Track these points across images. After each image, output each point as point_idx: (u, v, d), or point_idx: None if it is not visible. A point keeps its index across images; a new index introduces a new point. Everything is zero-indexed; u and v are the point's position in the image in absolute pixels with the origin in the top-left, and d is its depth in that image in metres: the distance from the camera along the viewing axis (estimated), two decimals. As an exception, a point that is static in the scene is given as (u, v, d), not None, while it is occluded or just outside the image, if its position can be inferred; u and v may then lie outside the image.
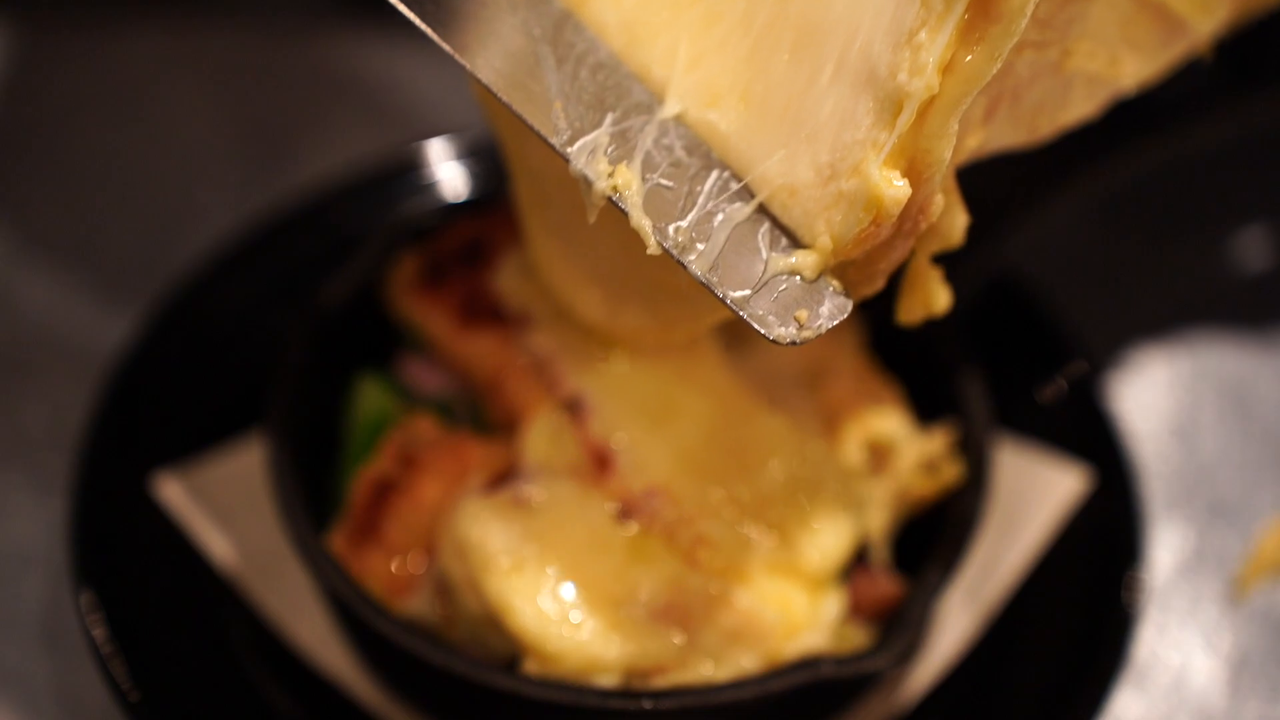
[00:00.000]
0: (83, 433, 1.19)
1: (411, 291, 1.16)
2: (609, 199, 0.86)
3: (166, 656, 1.09)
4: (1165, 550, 1.27)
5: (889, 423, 1.10)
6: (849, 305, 0.87)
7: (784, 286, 0.86)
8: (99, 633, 1.08)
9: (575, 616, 0.99)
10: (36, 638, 1.18)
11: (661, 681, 0.99)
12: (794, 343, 0.85)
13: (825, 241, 0.85)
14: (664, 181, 0.87)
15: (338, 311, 1.17)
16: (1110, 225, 1.49)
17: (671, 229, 0.86)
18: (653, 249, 0.85)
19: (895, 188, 0.82)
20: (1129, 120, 1.28)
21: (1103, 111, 1.02)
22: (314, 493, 1.11)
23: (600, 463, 1.03)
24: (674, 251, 0.85)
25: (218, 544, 1.15)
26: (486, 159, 1.35)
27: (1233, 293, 1.46)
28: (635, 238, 0.87)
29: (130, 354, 1.23)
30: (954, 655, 1.13)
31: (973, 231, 1.24)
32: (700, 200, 0.86)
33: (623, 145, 0.87)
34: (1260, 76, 1.31)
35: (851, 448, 1.09)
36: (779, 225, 0.87)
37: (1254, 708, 1.18)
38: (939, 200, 0.86)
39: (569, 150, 0.86)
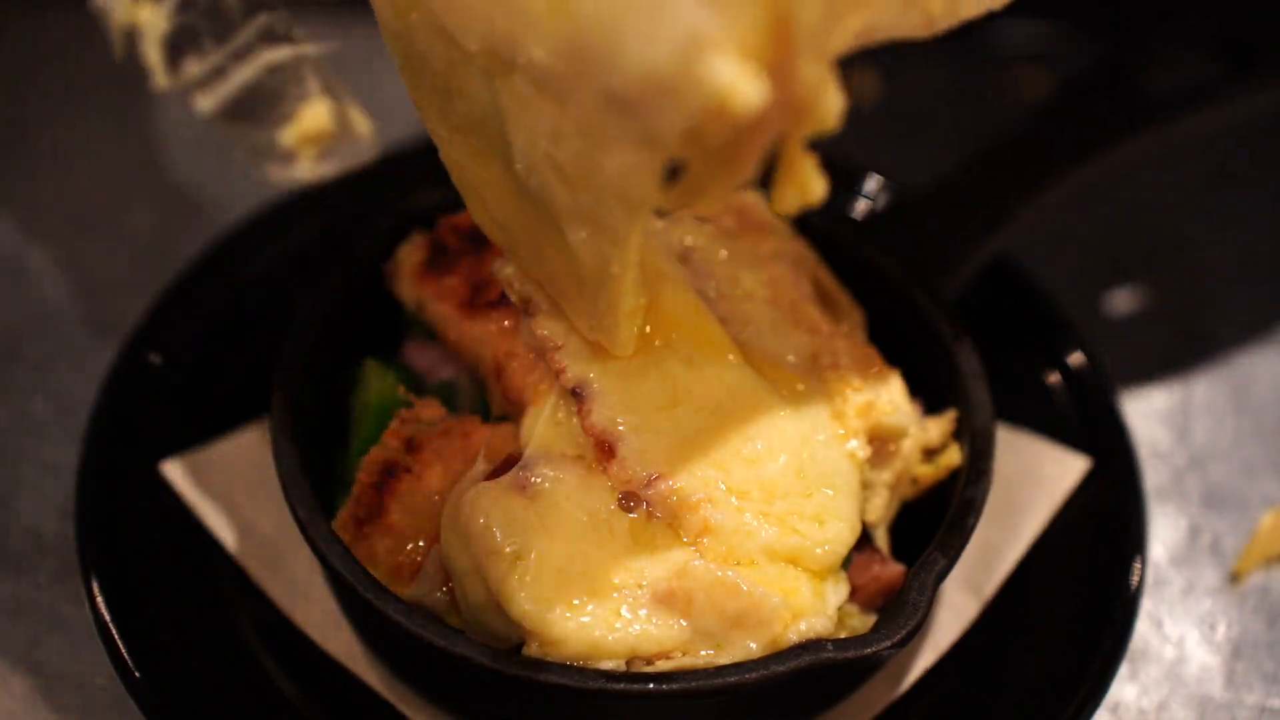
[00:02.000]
0: (91, 417, 1.19)
1: (417, 277, 1.16)
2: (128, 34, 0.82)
3: (173, 638, 1.10)
4: (1161, 538, 1.27)
5: (892, 410, 1.11)
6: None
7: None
8: (106, 615, 1.08)
9: (578, 602, 0.99)
10: (44, 619, 1.18)
11: (665, 666, 0.99)
12: None
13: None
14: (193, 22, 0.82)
15: (344, 297, 1.18)
16: (1108, 212, 1.49)
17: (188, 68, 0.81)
18: (161, 83, 0.80)
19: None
20: (1131, 109, 1.29)
21: (1007, 4, 0.96)
22: (321, 478, 1.12)
23: (604, 449, 1.03)
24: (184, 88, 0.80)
25: (224, 527, 1.16)
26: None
27: (1230, 281, 1.47)
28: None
29: (138, 339, 1.24)
30: (954, 640, 1.13)
31: (974, 219, 1.25)
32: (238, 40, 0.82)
33: None
34: (1259, 65, 1.32)
35: (855, 435, 1.09)
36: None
37: (1249, 694, 1.19)
38: (809, 73, 0.81)
39: None
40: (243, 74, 0.81)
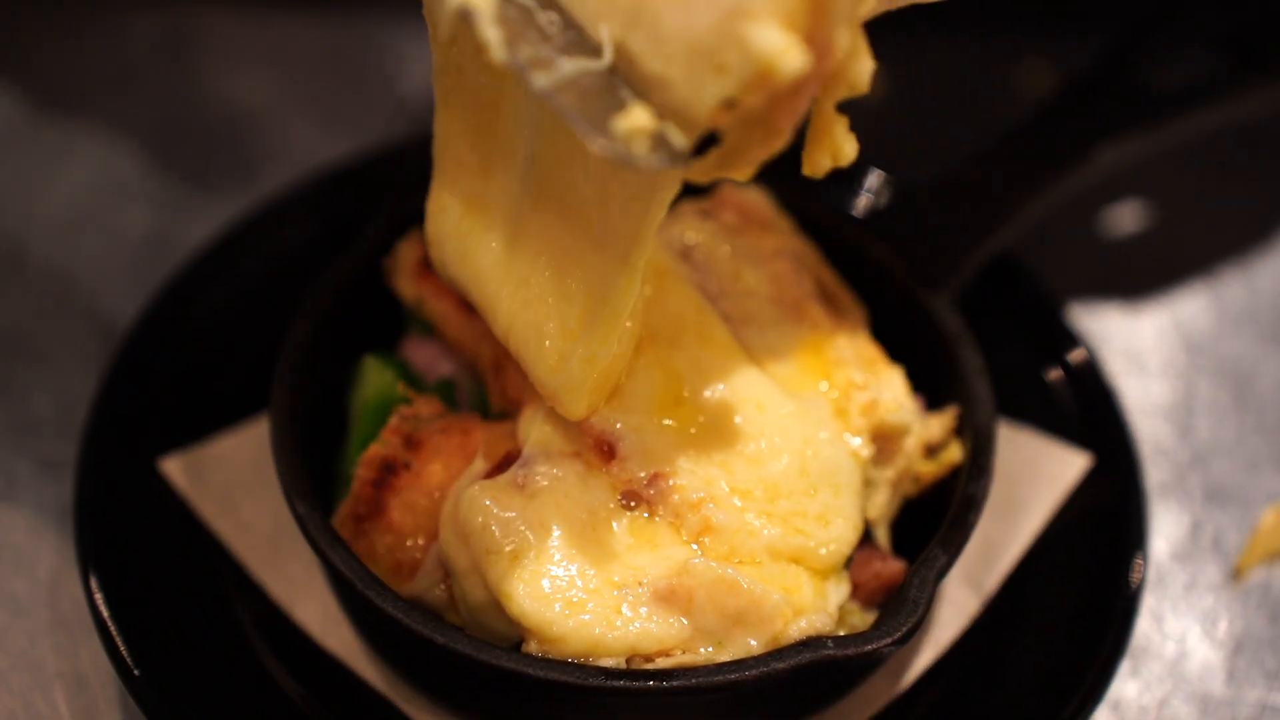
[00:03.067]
0: (90, 414, 1.19)
1: (416, 273, 1.16)
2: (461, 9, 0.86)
3: (172, 636, 1.10)
4: (1163, 534, 1.27)
5: (896, 408, 1.10)
6: (685, 158, 0.86)
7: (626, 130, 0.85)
8: (105, 613, 1.08)
9: (577, 600, 0.99)
10: (43, 617, 1.18)
11: (665, 663, 0.99)
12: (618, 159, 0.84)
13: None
14: (515, 12, 0.87)
15: (343, 293, 1.18)
16: (1107, 208, 1.49)
17: (523, 49, 0.85)
18: (498, 55, 0.85)
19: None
20: (1134, 106, 1.28)
21: None
22: (320, 475, 1.12)
23: (603, 450, 1.03)
24: (519, 65, 0.85)
25: (223, 524, 1.16)
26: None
27: (1231, 276, 1.47)
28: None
29: (137, 335, 1.24)
30: (954, 637, 1.13)
31: (975, 216, 1.25)
32: (556, 42, 0.87)
33: None
34: (1264, 63, 1.31)
35: (859, 433, 1.08)
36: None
37: (1250, 691, 1.18)
38: (844, 40, 0.85)
39: None
40: (569, 66, 0.87)
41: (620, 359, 1.03)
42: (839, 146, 0.93)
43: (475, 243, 1.05)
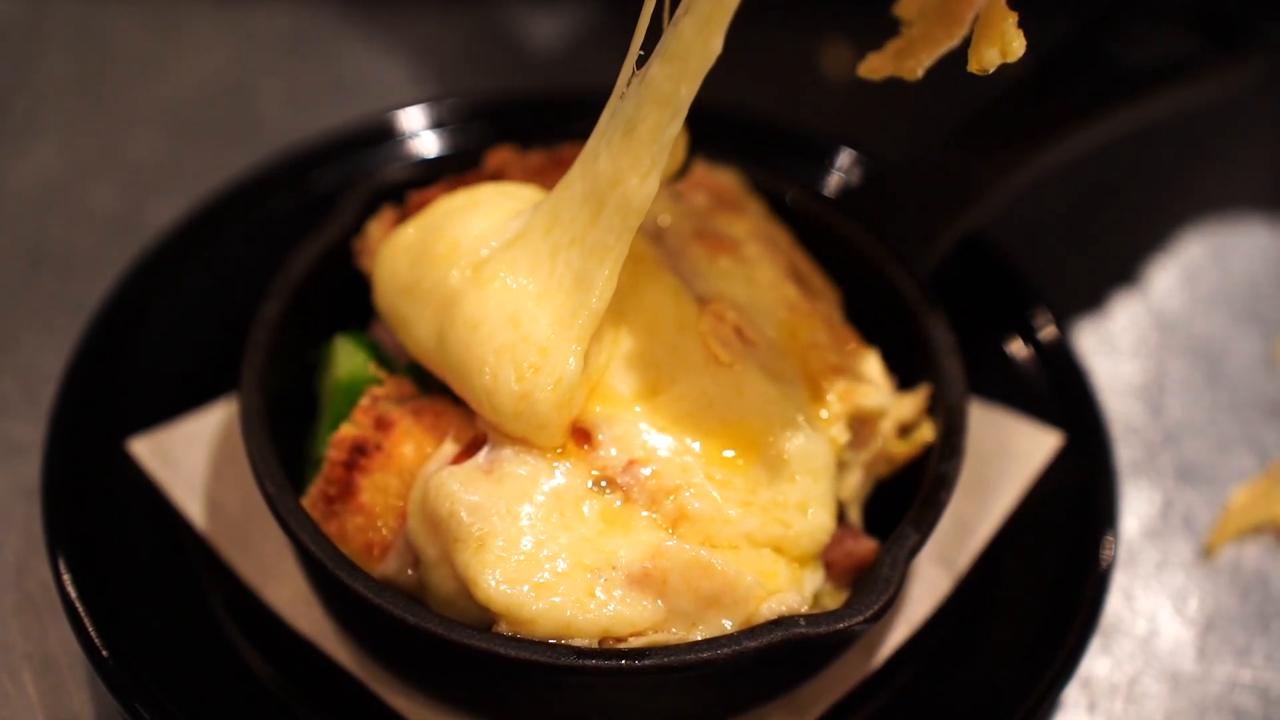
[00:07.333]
0: (58, 394, 1.18)
1: (386, 254, 1.16)
2: None
3: (141, 618, 1.09)
4: (1134, 512, 1.28)
5: (873, 393, 1.10)
6: None
7: None
8: (73, 594, 1.08)
9: (547, 583, 0.98)
10: (11, 599, 1.17)
11: (637, 643, 0.99)
12: None
13: None
14: None
15: (313, 273, 1.17)
16: (1080, 187, 1.49)
17: None
18: None
19: None
20: (1107, 84, 1.29)
21: None
22: (290, 455, 1.11)
23: (579, 436, 1.02)
24: None
25: (193, 505, 1.15)
26: (462, 127, 1.35)
27: (1202, 256, 1.47)
28: None
29: (106, 315, 1.23)
30: (926, 615, 1.14)
31: (948, 195, 1.25)
32: None
33: None
34: (1236, 39, 1.32)
35: (836, 419, 1.08)
36: None
37: (1220, 668, 1.19)
38: None
39: None
40: None
41: (597, 365, 1.03)
42: (1009, 41, 0.95)
43: (415, 302, 1.06)
